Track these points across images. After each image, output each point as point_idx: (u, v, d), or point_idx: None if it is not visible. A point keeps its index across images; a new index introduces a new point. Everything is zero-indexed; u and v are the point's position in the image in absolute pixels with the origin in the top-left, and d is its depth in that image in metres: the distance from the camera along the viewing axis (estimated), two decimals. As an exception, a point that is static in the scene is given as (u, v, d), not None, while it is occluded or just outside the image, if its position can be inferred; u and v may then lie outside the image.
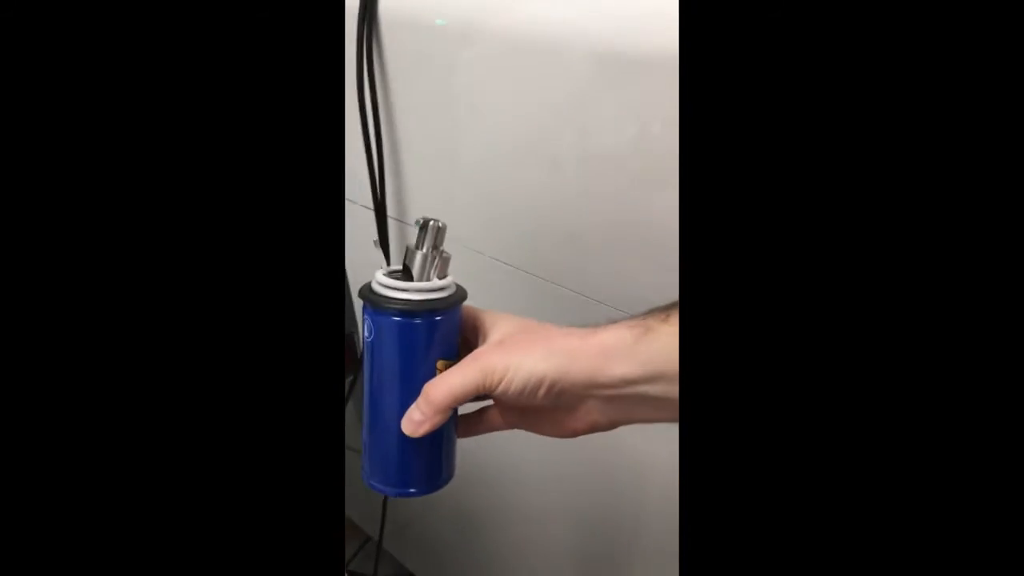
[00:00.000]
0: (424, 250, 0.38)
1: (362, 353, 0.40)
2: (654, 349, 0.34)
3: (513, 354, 0.36)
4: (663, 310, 0.36)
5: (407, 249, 0.39)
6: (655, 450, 0.62)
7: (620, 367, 0.34)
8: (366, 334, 0.39)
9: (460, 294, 0.40)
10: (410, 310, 0.37)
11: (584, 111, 0.50)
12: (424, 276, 0.38)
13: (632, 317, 0.36)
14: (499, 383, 0.36)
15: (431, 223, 0.38)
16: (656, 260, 0.50)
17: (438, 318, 0.38)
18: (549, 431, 0.40)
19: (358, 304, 0.52)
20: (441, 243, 0.39)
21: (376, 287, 0.38)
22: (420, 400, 0.38)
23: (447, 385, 0.37)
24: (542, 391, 0.36)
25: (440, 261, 0.38)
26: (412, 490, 0.41)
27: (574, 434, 0.39)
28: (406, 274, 0.38)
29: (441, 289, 0.38)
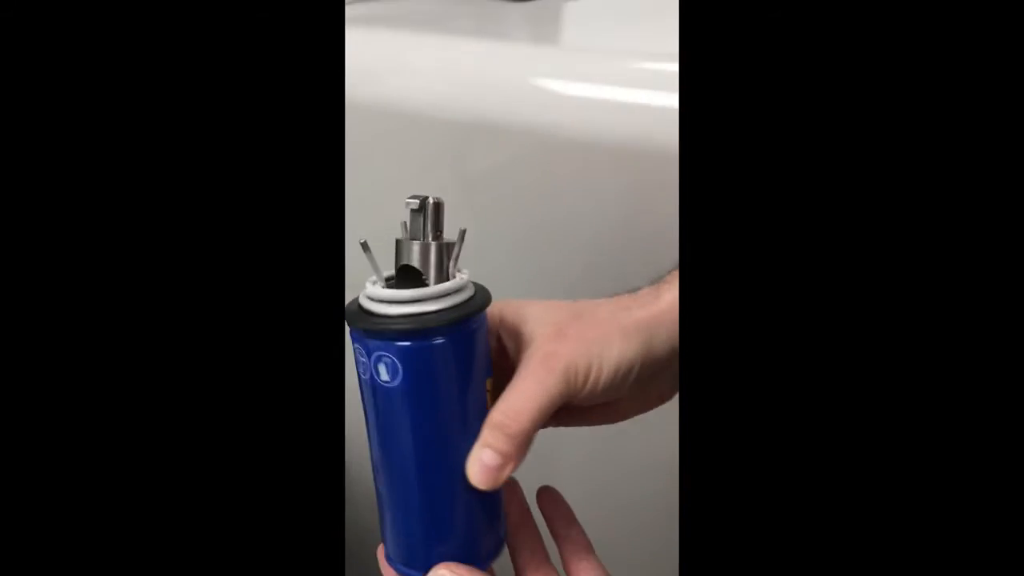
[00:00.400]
0: (429, 239, 0.28)
1: (363, 401, 0.29)
2: None
3: (590, 344, 0.29)
4: None
5: (400, 244, 0.28)
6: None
7: None
8: (378, 376, 0.27)
9: (483, 290, 0.30)
10: (451, 322, 0.27)
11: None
12: (443, 274, 0.28)
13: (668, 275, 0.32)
14: (585, 383, 0.29)
15: (429, 201, 0.28)
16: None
17: (475, 327, 0.29)
18: (608, 419, 0.33)
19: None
20: (443, 225, 0.29)
21: (381, 307, 0.27)
22: (489, 436, 0.28)
23: (527, 405, 0.28)
24: (632, 378, 0.30)
25: (448, 251, 0.28)
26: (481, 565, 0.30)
27: (627, 417, 0.33)
28: (405, 280, 0.28)
29: (462, 288, 0.29)
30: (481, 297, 0.29)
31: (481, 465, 0.28)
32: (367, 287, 0.28)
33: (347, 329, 0.28)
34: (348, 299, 0.31)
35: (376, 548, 0.33)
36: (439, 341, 0.27)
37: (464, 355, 0.28)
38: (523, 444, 0.28)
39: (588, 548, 0.33)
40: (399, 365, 0.27)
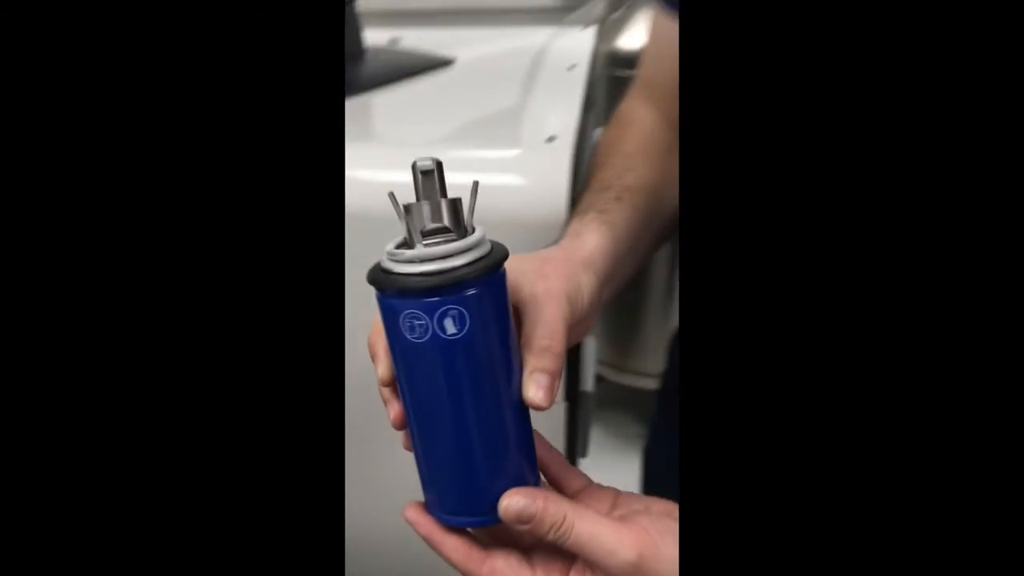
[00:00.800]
0: (448, 194, 0.29)
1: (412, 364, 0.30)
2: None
3: (568, 279, 0.35)
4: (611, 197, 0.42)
5: (413, 209, 0.29)
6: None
7: (609, 262, 0.40)
8: (443, 331, 0.28)
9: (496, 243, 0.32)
10: (497, 265, 0.29)
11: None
12: (464, 226, 0.30)
13: (582, 214, 0.41)
14: (578, 307, 0.35)
15: (435, 161, 0.29)
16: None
17: (504, 269, 0.30)
18: (576, 340, 0.38)
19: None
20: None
21: (439, 263, 0.28)
22: (538, 361, 0.31)
23: (558, 327, 0.32)
24: (598, 302, 0.38)
25: (461, 205, 0.30)
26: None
27: (580, 339, 0.40)
28: (428, 238, 0.29)
29: (485, 236, 0.30)
30: (504, 249, 0.31)
31: (538, 386, 0.31)
32: (400, 252, 0.29)
33: (383, 300, 0.29)
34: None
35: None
36: (491, 284, 0.29)
37: (504, 295, 0.31)
38: (563, 361, 0.32)
39: (589, 480, 0.37)
40: (466, 314, 0.28)
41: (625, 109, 0.53)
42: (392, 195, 0.29)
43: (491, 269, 0.29)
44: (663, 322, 1.39)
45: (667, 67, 0.47)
